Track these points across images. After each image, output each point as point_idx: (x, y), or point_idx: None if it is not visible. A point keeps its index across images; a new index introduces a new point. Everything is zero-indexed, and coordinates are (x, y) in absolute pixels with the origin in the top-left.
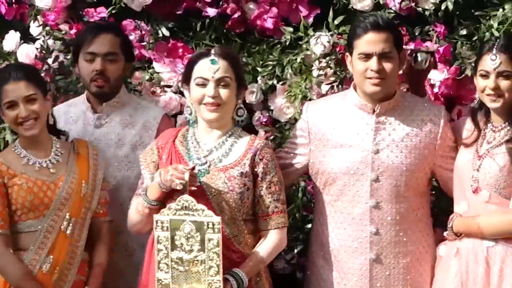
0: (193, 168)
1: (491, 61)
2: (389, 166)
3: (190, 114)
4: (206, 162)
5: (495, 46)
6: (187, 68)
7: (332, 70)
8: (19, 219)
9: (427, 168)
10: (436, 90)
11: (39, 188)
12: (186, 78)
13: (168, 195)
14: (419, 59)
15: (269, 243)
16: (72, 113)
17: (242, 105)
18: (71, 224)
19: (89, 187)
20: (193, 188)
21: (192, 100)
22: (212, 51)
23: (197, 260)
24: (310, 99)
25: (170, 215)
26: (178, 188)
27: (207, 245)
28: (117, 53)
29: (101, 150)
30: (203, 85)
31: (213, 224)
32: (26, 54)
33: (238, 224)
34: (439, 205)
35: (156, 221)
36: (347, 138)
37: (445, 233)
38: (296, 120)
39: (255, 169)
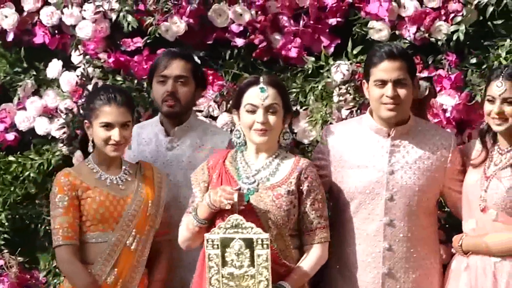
0: (240, 189)
1: (497, 88)
2: (403, 186)
3: (239, 137)
4: (254, 181)
5: (502, 74)
6: (237, 95)
7: (351, 96)
8: (87, 230)
9: (437, 189)
10: (448, 114)
11: (110, 202)
12: (236, 104)
13: (216, 214)
14: (420, 87)
15: (312, 257)
16: (144, 135)
17: (288, 129)
18: (136, 240)
19: (154, 207)
20: (241, 207)
21: (242, 125)
22: (261, 79)
23: (248, 275)
24: (330, 123)
25: (221, 234)
26: (226, 208)
27: (257, 261)
28: (187, 77)
29: (173, 172)
30: (253, 111)
31: (262, 241)
32: (68, 81)
33: (284, 240)
34: (450, 222)
35: (207, 240)
36: (363, 159)
37: (452, 250)
38: (318, 142)
39: (300, 187)
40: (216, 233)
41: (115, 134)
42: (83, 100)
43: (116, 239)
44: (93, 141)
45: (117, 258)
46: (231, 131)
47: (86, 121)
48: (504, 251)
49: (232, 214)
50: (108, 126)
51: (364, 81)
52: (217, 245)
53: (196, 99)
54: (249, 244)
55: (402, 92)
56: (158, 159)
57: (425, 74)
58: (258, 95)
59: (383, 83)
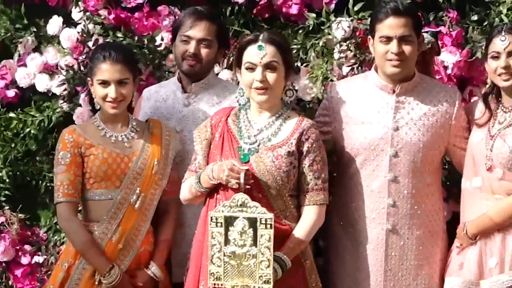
0: (247, 168)
1: (501, 42)
2: (408, 142)
3: (242, 96)
4: (256, 141)
5: (504, 29)
6: (237, 53)
7: (352, 53)
8: (91, 187)
9: (442, 146)
10: (449, 71)
11: (114, 160)
12: (238, 62)
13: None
14: (425, 39)
15: (308, 222)
16: (162, 93)
17: (291, 87)
18: (140, 199)
19: (161, 166)
20: (247, 186)
21: (243, 84)
22: (260, 37)
23: (249, 254)
24: (331, 80)
25: (225, 212)
26: (234, 187)
27: (260, 240)
28: (211, 40)
29: (188, 127)
30: (252, 69)
31: (266, 220)
32: (68, 37)
33: (284, 200)
34: (452, 178)
35: (211, 218)
36: (368, 116)
37: (456, 244)
38: (318, 99)
39: (301, 148)
40: (221, 211)
41: (111, 91)
42: (84, 57)
43: (121, 198)
44: None
45: (122, 217)
46: None
47: (89, 78)
48: (506, 218)
49: (235, 188)
50: (104, 83)
51: (369, 36)
52: (221, 223)
53: (218, 58)
54: (253, 223)
55: (407, 48)
56: (174, 115)
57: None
58: (256, 53)
59: (388, 39)
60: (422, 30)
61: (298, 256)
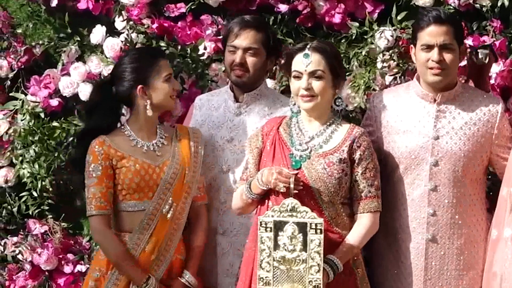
0: (297, 173)
1: None
2: (448, 152)
3: (294, 104)
4: (307, 148)
5: None
6: (286, 61)
7: (395, 63)
8: (123, 199)
9: (484, 156)
10: (492, 81)
11: (146, 171)
12: (287, 70)
13: (271, 189)
14: (480, 55)
15: (362, 228)
16: (214, 102)
17: (340, 95)
18: (172, 209)
19: (191, 173)
20: (295, 191)
21: (292, 92)
22: (308, 46)
23: (299, 259)
24: (373, 90)
25: (275, 217)
26: (282, 191)
27: (309, 245)
28: (257, 48)
29: (238, 137)
30: (299, 77)
31: (316, 225)
32: (112, 46)
33: (336, 207)
34: (496, 189)
35: (260, 223)
36: (409, 125)
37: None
38: (361, 108)
39: (353, 156)
40: (270, 216)
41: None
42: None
43: (153, 208)
44: (130, 107)
45: (154, 227)
46: None
47: (140, 85)
48: None
49: (286, 194)
50: (169, 79)
51: (411, 45)
52: (270, 228)
53: (268, 67)
54: (303, 228)
55: (448, 57)
56: (224, 123)
57: (469, 40)
58: (302, 61)
59: (429, 47)
60: (476, 49)
61: (350, 264)
